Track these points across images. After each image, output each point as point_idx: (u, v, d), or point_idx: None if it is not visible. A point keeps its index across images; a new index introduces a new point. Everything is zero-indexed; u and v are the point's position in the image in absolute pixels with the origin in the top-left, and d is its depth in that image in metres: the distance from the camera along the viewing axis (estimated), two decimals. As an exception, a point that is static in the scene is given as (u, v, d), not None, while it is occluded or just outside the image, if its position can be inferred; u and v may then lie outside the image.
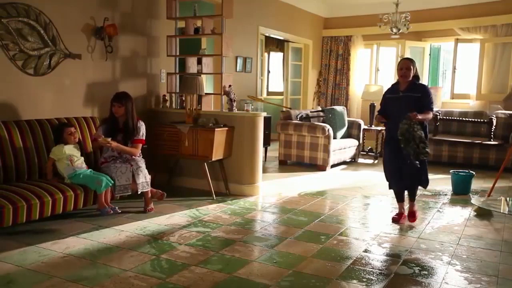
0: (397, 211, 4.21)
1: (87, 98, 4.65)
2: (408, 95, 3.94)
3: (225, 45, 5.05)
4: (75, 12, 4.44)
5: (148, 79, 5.38)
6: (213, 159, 4.82)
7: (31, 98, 4.12)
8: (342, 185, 5.73)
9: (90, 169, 4.00)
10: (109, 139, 4.05)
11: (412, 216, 4.12)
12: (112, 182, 3.96)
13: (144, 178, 4.16)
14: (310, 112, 7.45)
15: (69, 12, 4.38)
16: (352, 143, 7.37)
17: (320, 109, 7.70)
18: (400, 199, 4.18)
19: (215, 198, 4.83)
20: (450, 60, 9.11)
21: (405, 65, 4.04)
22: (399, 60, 6.42)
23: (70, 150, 3.92)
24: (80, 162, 3.95)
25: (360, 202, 4.94)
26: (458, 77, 9.00)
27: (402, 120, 3.74)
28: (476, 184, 5.59)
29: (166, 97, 5.45)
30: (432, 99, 3.97)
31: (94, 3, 4.62)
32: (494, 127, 6.96)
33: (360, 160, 7.71)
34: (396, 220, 4.11)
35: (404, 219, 4.13)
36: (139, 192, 4.15)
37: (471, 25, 8.36)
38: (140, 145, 4.32)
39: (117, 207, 4.07)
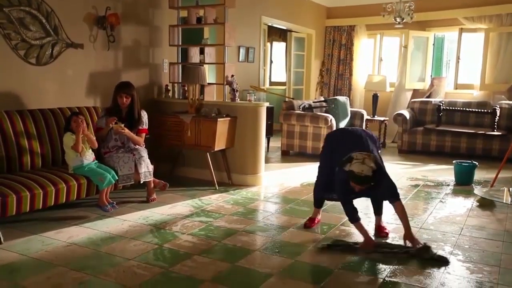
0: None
1: (90, 88, 4.64)
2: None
3: (227, 34, 5.02)
4: (77, 1, 4.42)
5: (150, 69, 5.36)
6: (215, 149, 4.82)
7: (33, 88, 4.12)
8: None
9: (95, 161, 3.99)
10: (123, 125, 4.05)
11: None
12: (116, 178, 3.95)
13: (146, 168, 4.17)
14: (313, 102, 7.43)
15: (71, 1, 4.36)
16: (355, 133, 7.33)
17: (323, 99, 7.67)
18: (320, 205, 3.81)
19: (217, 188, 4.84)
20: (454, 50, 9.05)
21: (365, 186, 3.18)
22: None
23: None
24: (89, 153, 3.92)
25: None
26: (462, 67, 8.95)
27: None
28: (479, 174, 5.58)
29: (168, 87, 5.44)
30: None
31: (96, -8, 4.60)
32: (497, 118, 6.92)
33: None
34: (308, 225, 3.71)
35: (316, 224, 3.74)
36: (141, 182, 4.15)
37: (476, 14, 8.29)
38: (144, 134, 4.33)
39: (115, 203, 4.06)
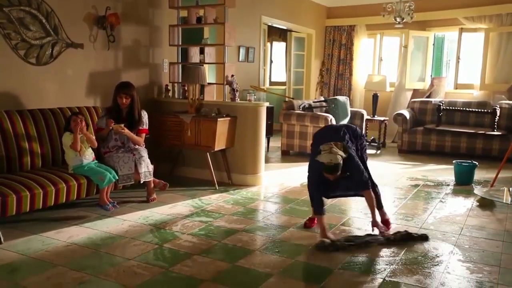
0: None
1: (90, 87, 4.64)
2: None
3: (227, 34, 5.02)
4: (77, 1, 4.42)
5: (150, 69, 5.36)
6: (215, 149, 4.81)
7: (33, 88, 4.12)
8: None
9: (95, 161, 3.99)
10: (123, 125, 4.06)
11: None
12: (117, 178, 3.95)
13: (146, 168, 4.17)
14: (313, 102, 7.43)
15: (71, 1, 4.36)
16: (355, 133, 7.33)
17: (323, 99, 7.67)
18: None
19: (217, 188, 4.84)
20: (454, 50, 9.05)
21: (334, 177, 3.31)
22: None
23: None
24: (88, 153, 3.92)
25: (317, 224, 4.90)
26: (462, 67, 8.95)
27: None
28: (479, 174, 5.58)
29: (168, 87, 5.44)
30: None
31: (96, -8, 4.60)
32: (497, 118, 6.92)
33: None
34: (307, 225, 3.72)
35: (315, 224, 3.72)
36: (141, 182, 4.15)
37: (476, 14, 8.29)
38: (144, 134, 4.34)
39: (115, 202, 4.06)
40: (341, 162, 3.18)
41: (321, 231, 3.36)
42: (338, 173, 3.22)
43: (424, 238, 3.42)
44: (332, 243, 3.23)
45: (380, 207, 3.67)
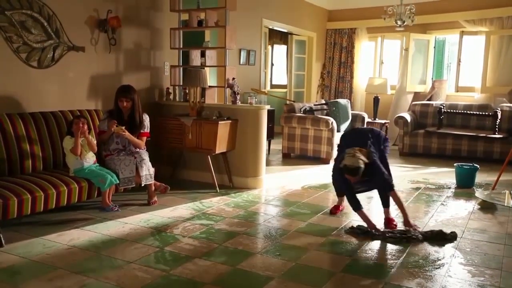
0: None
1: (91, 90, 4.65)
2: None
3: (228, 37, 5.03)
4: (79, 4, 4.43)
5: (151, 71, 5.37)
6: (216, 152, 4.82)
7: (35, 91, 4.13)
8: (345, 178, 5.72)
9: (96, 164, 3.99)
10: (123, 128, 4.06)
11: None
12: (118, 181, 3.95)
13: (147, 171, 4.17)
14: (314, 105, 7.43)
15: (73, 4, 4.37)
16: (356, 136, 7.34)
17: (323, 102, 7.68)
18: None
19: (218, 191, 4.84)
20: (455, 53, 9.05)
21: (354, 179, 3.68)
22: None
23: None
24: (89, 156, 3.92)
25: (363, 195, 4.90)
26: (463, 70, 8.95)
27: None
28: (480, 177, 5.57)
29: (169, 90, 5.44)
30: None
31: (98, -4, 4.61)
32: (499, 120, 6.92)
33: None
34: (332, 212, 4.16)
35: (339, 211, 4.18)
36: (142, 185, 4.16)
37: (477, 17, 8.30)
38: (145, 138, 4.34)
39: (117, 206, 4.07)
40: (363, 166, 3.51)
41: (367, 223, 3.63)
42: (358, 176, 3.56)
43: (454, 236, 3.52)
44: (379, 232, 3.54)
45: (386, 205, 3.88)
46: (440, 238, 3.49)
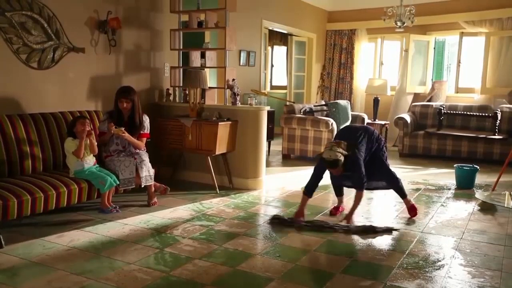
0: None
1: (91, 91, 4.65)
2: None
3: (228, 38, 5.03)
4: (79, 5, 4.44)
5: (151, 73, 5.37)
6: (216, 153, 4.82)
7: (35, 92, 4.13)
8: (345, 179, 5.72)
9: (96, 165, 3.98)
10: (123, 129, 4.06)
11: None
12: (117, 182, 3.95)
13: (147, 172, 4.17)
14: (314, 106, 7.43)
15: (73, 5, 4.38)
16: (356, 137, 7.33)
17: (323, 103, 7.68)
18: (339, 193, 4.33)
19: (218, 192, 4.84)
20: (455, 54, 9.06)
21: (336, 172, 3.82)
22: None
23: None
24: (89, 157, 3.91)
25: (364, 196, 4.92)
26: (462, 71, 8.95)
27: None
28: (480, 178, 5.57)
29: (169, 91, 5.44)
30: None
31: (98, -3, 4.61)
32: (498, 121, 6.92)
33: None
34: (332, 213, 4.21)
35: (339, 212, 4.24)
36: (142, 186, 4.16)
37: (477, 18, 8.30)
38: (145, 139, 4.34)
39: (117, 207, 4.05)
40: (341, 159, 3.62)
41: (298, 209, 3.88)
42: (337, 168, 3.67)
43: (389, 230, 3.68)
44: (292, 221, 3.80)
45: (404, 196, 4.12)
46: (370, 231, 3.65)
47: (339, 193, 4.29)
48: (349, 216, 3.82)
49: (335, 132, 6.53)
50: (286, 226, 3.75)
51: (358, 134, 3.90)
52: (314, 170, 3.89)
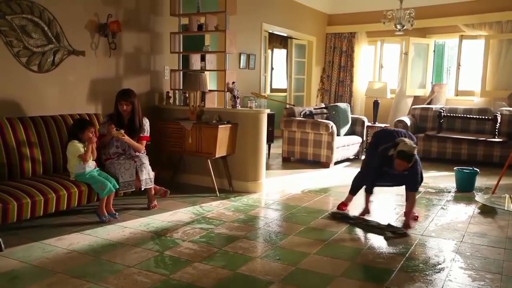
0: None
1: (91, 94, 4.66)
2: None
3: (228, 41, 5.04)
4: (79, 8, 4.44)
5: (151, 76, 5.38)
6: (216, 156, 4.82)
7: (35, 95, 4.13)
8: (345, 182, 5.70)
9: (97, 168, 3.97)
10: (122, 131, 4.06)
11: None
12: (117, 187, 3.94)
13: (147, 175, 4.16)
14: (314, 109, 7.44)
15: (73, 8, 4.38)
16: (356, 140, 7.35)
17: (323, 106, 7.68)
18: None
19: (218, 195, 4.84)
20: (455, 57, 9.08)
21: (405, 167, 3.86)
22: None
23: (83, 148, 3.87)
24: (90, 161, 3.89)
25: (364, 199, 4.92)
26: (462, 74, 8.97)
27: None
28: (480, 181, 5.57)
29: (169, 94, 5.45)
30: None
31: (98, 0, 4.62)
32: (498, 124, 6.92)
33: (364, 157, 7.68)
34: (340, 208, 4.37)
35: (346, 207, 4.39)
36: (142, 189, 4.15)
37: (476, 21, 8.32)
38: (145, 142, 4.34)
39: (116, 214, 3.98)
40: (415, 153, 3.73)
41: (365, 207, 4.08)
42: (409, 164, 3.72)
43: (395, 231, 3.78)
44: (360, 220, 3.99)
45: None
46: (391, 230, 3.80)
47: (355, 192, 4.37)
48: (408, 220, 3.88)
49: (335, 135, 6.55)
50: (345, 222, 3.99)
51: (400, 135, 4.03)
52: (372, 169, 4.01)
